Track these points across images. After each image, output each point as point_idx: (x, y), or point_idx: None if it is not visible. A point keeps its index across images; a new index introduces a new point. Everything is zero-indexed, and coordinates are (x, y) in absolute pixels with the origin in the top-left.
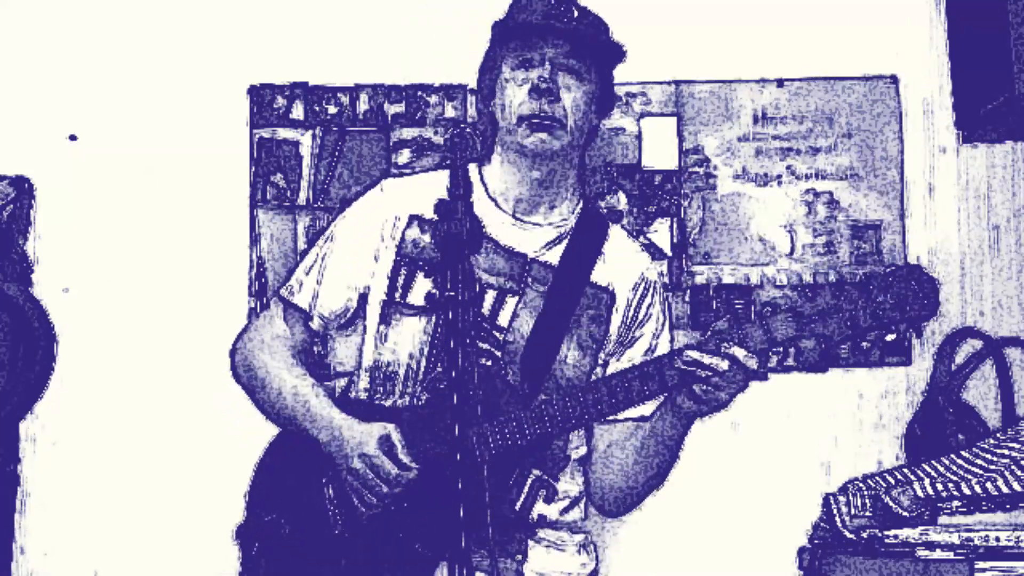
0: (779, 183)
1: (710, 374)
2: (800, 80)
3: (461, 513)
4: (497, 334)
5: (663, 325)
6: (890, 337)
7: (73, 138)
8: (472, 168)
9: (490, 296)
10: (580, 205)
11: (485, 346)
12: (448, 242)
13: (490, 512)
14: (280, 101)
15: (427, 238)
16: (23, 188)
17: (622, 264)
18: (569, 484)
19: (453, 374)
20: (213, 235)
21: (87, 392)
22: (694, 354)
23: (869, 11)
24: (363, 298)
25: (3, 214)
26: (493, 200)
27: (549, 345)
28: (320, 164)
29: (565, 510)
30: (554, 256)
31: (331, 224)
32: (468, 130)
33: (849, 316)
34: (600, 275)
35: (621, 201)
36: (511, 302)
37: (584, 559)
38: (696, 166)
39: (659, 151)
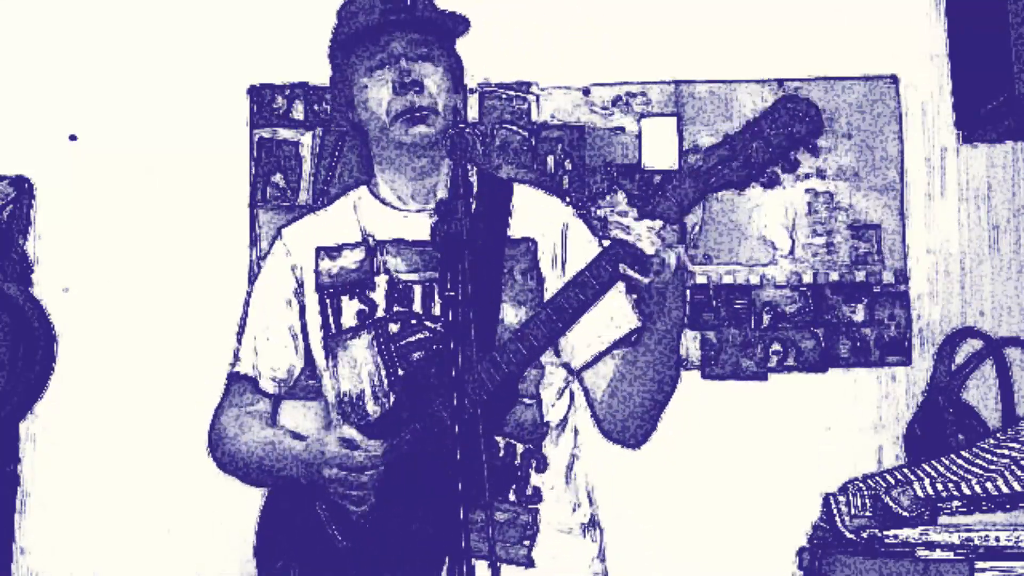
0: (779, 183)
1: (635, 252)
2: (800, 80)
3: (461, 515)
4: (434, 324)
5: (595, 248)
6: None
7: (73, 138)
8: (363, 189)
9: (418, 291)
10: (475, 174)
11: (426, 335)
12: (448, 242)
13: (486, 472)
14: (280, 101)
15: (338, 262)
16: (23, 188)
17: (535, 213)
18: (554, 452)
19: (453, 373)
20: (213, 235)
21: (87, 392)
22: (617, 233)
23: (869, 11)
24: (306, 347)
25: (3, 214)
26: (389, 205)
27: (487, 308)
28: (320, 164)
29: (558, 475)
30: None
31: (251, 289)
32: (468, 130)
33: (745, 157)
34: (517, 229)
35: (621, 201)
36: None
37: (589, 542)
38: None
39: (659, 151)
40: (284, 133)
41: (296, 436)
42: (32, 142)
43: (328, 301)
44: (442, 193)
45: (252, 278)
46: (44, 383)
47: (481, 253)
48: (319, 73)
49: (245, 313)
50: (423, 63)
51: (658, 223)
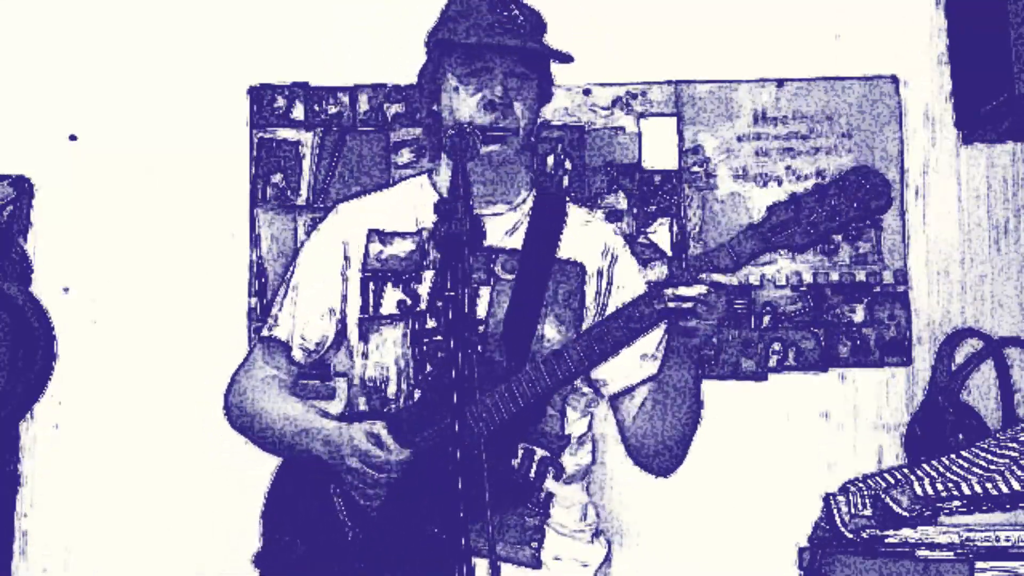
0: (779, 183)
1: (692, 304)
2: (800, 80)
3: (461, 513)
4: (478, 326)
5: (640, 284)
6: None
7: (73, 138)
8: (424, 179)
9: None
10: (533, 187)
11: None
12: (448, 242)
13: (488, 492)
14: (280, 101)
15: (388, 249)
16: (23, 188)
17: (586, 236)
18: (571, 462)
19: (453, 372)
20: (213, 235)
21: (87, 392)
22: (671, 291)
23: (869, 11)
24: (341, 322)
25: (3, 214)
26: None
27: (526, 324)
28: (320, 164)
29: (571, 482)
30: (517, 241)
31: (297, 255)
32: (468, 130)
33: (808, 223)
34: (566, 250)
35: (621, 201)
36: (484, 292)
37: (597, 547)
38: (696, 166)
39: (659, 151)
40: (284, 133)
41: (325, 414)
42: (32, 142)
43: (372, 284)
44: (515, 195)
45: (252, 278)
46: (44, 383)
47: (528, 267)
48: (319, 73)
49: (289, 277)
50: (517, 80)
51: (719, 276)
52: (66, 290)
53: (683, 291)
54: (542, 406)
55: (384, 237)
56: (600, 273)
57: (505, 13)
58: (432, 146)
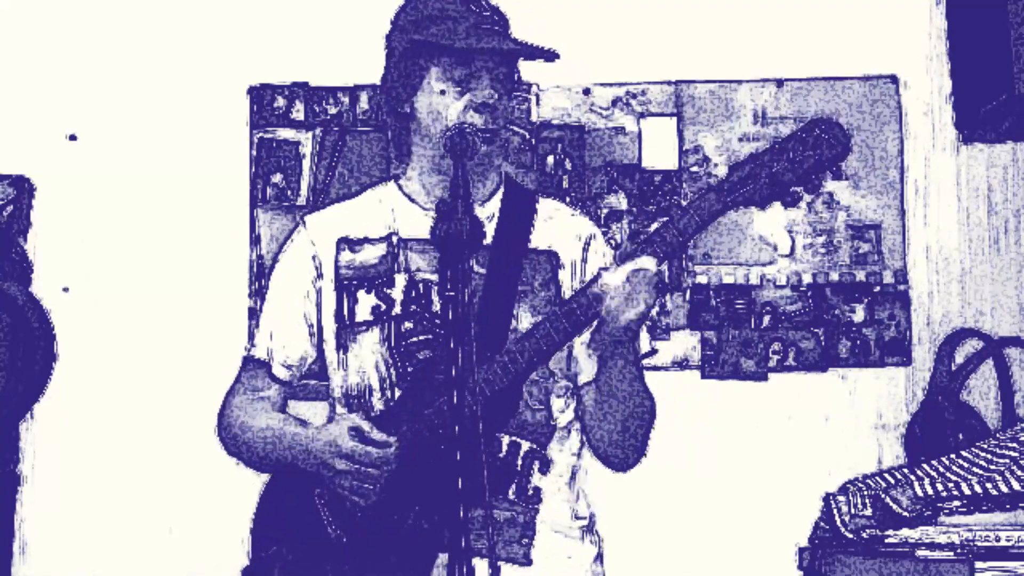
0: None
1: (623, 284)
2: (800, 80)
3: (461, 514)
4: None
5: None
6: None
7: (73, 138)
8: (391, 185)
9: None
10: (502, 182)
11: (434, 335)
12: (448, 242)
13: (487, 489)
14: (280, 101)
15: (358, 256)
16: (23, 188)
17: (559, 227)
18: (559, 454)
19: (453, 372)
20: (213, 235)
21: (87, 392)
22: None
23: (869, 11)
24: (319, 335)
25: (3, 214)
26: (417, 204)
27: (500, 315)
28: (320, 164)
29: (560, 478)
30: (488, 236)
31: (272, 272)
32: (468, 130)
33: (768, 175)
34: (540, 240)
35: (621, 201)
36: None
37: (589, 544)
38: (696, 166)
39: (659, 151)
40: (284, 133)
41: (301, 423)
42: (32, 142)
43: (344, 293)
44: (484, 190)
45: (252, 278)
46: (44, 383)
47: (500, 259)
48: (319, 73)
49: (263, 296)
50: (501, 82)
51: (647, 260)
52: (66, 290)
53: (608, 277)
54: (517, 390)
55: (353, 245)
56: (575, 262)
57: (483, 13)
58: (399, 149)
